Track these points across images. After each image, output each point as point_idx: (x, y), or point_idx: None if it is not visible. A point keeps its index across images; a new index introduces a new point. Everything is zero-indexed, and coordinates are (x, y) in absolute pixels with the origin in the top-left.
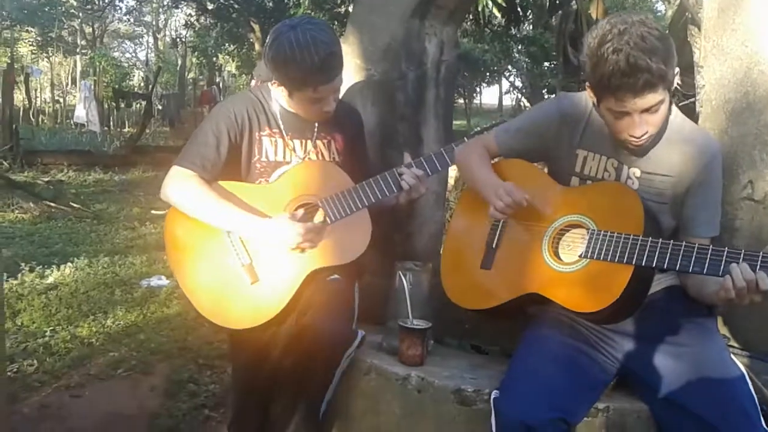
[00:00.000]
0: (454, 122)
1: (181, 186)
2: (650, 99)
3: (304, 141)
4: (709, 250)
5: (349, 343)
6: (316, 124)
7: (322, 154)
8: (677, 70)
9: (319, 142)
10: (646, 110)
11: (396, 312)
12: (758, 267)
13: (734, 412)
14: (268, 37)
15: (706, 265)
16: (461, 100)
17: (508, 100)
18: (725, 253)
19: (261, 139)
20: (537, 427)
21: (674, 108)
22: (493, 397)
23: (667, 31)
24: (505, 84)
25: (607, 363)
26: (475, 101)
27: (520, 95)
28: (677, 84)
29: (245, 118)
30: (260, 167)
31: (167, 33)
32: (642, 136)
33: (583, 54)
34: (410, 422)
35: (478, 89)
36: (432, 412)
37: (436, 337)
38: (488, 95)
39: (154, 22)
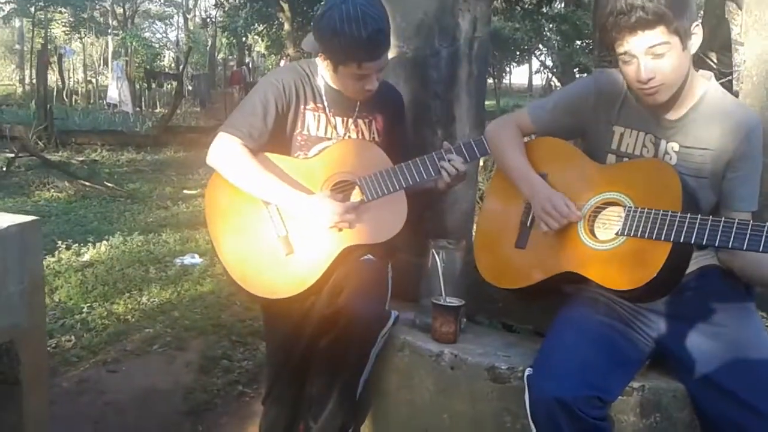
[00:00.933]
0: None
1: (226, 152)
2: (647, 36)
3: (345, 119)
4: (749, 225)
5: (383, 324)
6: (358, 103)
7: (362, 133)
8: (697, 23)
9: (360, 121)
10: (650, 53)
11: (429, 290)
12: None
13: None
14: (320, 9)
15: (746, 240)
16: (490, 80)
17: (538, 80)
18: (766, 227)
19: (305, 113)
20: (571, 404)
21: (713, 81)
22: (526, 374)
23: (702, 11)
24: (536, 63)
25: (642, 342)
26: (504, 81)
27: (550, 74)
28: (712, 62)
29: (292, 90)
30: (301, 140)
31: (197, 13)
32: (648, 81)
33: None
34: (444, 398)
35: (507, 69)
36: (465, 388)
37: (468, 315)
38: (518, 75)
39: (184, 2)
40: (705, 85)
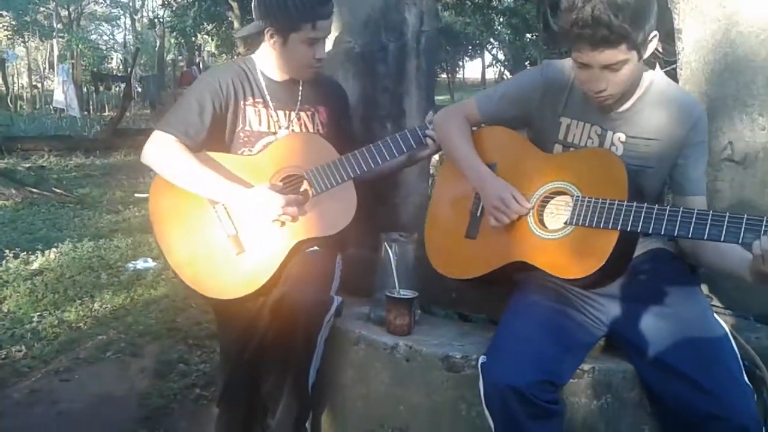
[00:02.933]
0: (438, 97)
1: (160, 149)
2: (608, 55)
3: (287, 111)
4: (694, 213)
5: (326, 309)
6: (300, 95)
7: (305, 125)
8: (654, 33)
9: (302, 114)
10: (607, 67)
11: (383, 283)
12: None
13: (717, 368)
14: None
15: (691, 227)
16: (444, 75)
17: (491, 74)
18: (710, 215)
19: (245, 109)
20: (524, 390)
21: (658, 71)
22: (480, 362)
23: None
24: (488, 57)
25: (592, 325)
26: (458, 75)
27: (502, 68)
28: (657, 51)
29: (230, 87)
30: (243, 137)
31: (144, 13)
32: (600, 92)
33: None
34: (400, 390)
35: (460, 63)
36: (421, 379)
37: (423, 307)
38: (471, 69)
39: (130, 3)
40: (650, 76)
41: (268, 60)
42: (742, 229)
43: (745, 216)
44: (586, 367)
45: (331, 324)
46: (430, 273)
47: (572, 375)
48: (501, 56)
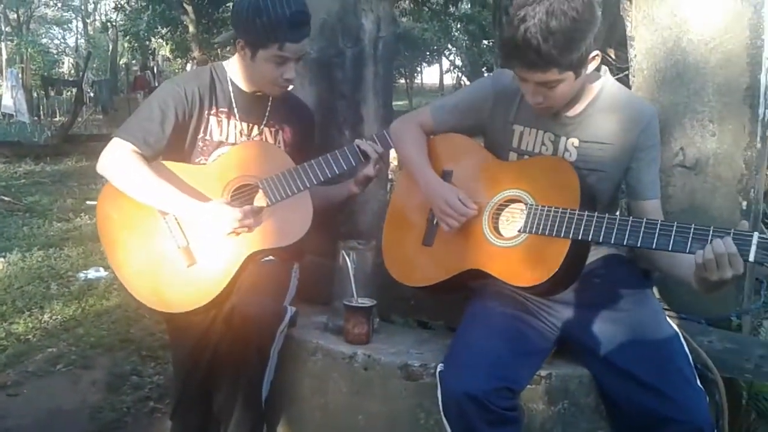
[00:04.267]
0: (396, 102)
1: (119, 159)
2: (538, 77)
3: (251, 125)
4: (644, 223)
5: (279, 320)
6: (268, 110)
7: (266, 141)
8: (594, 53)
9: (266, 129)
10: (542, 84)
11: (341, 291)
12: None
13: (670, 371)
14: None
15: (640, 238)
16: (402, 80)
17: (449, 79)
18: (658, 225)
19: (209, 118)
20: (481, 397)
21: (608, 76)
22: (438, 370)
23: (600, 9)
24: (446, 63)
25: (548, 331)
26: (416, 81)
27: (460, 74)
28: (610, 57)
29: (196, 97)
30: (202, 145)
31: (97, 17)
32: (537, 105)
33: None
34: (358, 400)
35: (419, 69)
36: (379, 388)
37: (382, 315)
38: (429, 75)
39: (82, 6)
40: (601, 81)
41: (239, 69)
42: (690, 238)
43: (692, 226)
44: (543, 373)
45: (284, 335)
46: (388, 281)
47: (529, 381)
48: (459, 62)
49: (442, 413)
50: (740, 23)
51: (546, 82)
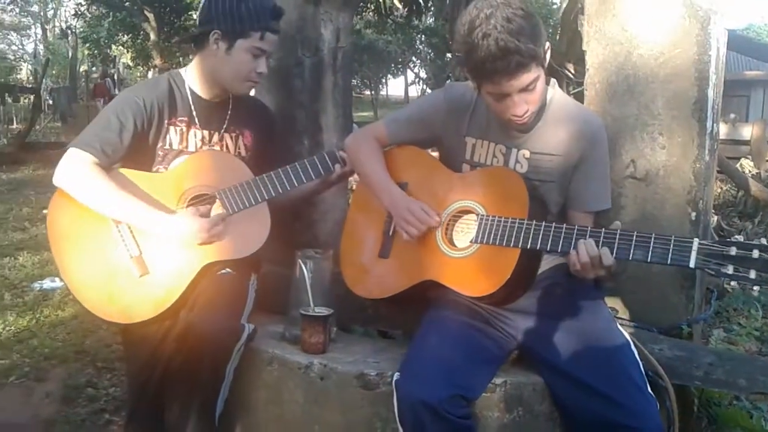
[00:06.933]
0: (362, 113)
1: (75, 170)
2: (525, 79)
3: (211, 132)
4: (588, 232)
5: (236, 338)
6: (228, 116)
7: (227, 147)
8: (548, 45)
9: (227, 135)
10: (524, 89)
11: (298, 301)
12: (601, 243)
13: (621, 379)
14: None
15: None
16: (368, 92)
17: (414, 91)
18: (602, 234)
19: (168, 128)
20: (436, 405)
21: (557, 88)
22: (394, 379)
23: (559, 26)
24: (411, 75)
25: (503, 339)
26: (381, 93)
27: (425, 86)
28: (569, 72)
29: (155, 107)
30: (162, 154)
31: (56, 23)
32: (524, 114)
33: (456, 42)
34: (314, 409)
35: (384, 81)
36: (336, 398)
37: (341, 325)
38: (394, 87)
39: (41, 12)
40: (550, 92)
41: (198, 76)
42: (632, 245)
43: (635, 233)
44: (497, 380)
45: (241, 353)
46: (346, 290)
47: (484, 389)
48: (423, 74)
49: (398, 421)
50: (688, 39)
51: (528, 84)
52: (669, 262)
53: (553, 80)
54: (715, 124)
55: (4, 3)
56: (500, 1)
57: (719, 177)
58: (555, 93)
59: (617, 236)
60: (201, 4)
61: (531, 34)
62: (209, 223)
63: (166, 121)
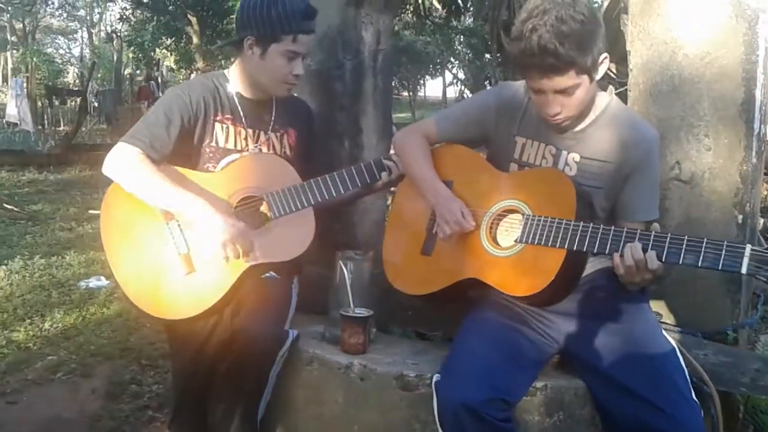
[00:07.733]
0: (400, 115)
1: (124, 160)
2: (559, 82)
3: (257, 131)
4: (637, 234)
5: (281, 345)
6: (273, 116)
7: (273, 147)
8: (605, 55)
9: (272, 134)
10: (560, 91)
11: (338, 301)
12: (650, 247)
13: (665, 385)
14: None
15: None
16: (405, 93)
17: (452, 92)
18: (652, 238)
19: (214, 125)
20: (477, 408)
21: (612, 94)
22: (434, 380)
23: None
24: (449, 76)
25: (545, 343)
26: (419, 94)
27: (463, 87)
28: (611, 72)
29: (200, 104)
30: (209, 152)
31: (102, 27)
32: (556, 115)
33: (514, 25)
34: (354, 410)
35: (422, 82)
36: (375, 399)
37: (379, 326)
38: (432, 88)
39: (88, 17)
40: (606, 99)
41: (241, 78)
42: (683, 250)
43: (685, 237)
44: (538, 384)
45: (285, 358)
46: (386, 291)
47: (525, 392)
48: (461, 75)
49: (437, 424)
50: (735, 38)
51: (565, 88)
52: (720, 267)
53: (610, 87)
54: (762, 126)
55: (53, 8)
56: (567, 0)
57: (766, 179)
58: (612, 100)
59: (667, 240)
60: (236, 11)
61: (579, 41)
62: (238, 231)
63: (212, 118)
